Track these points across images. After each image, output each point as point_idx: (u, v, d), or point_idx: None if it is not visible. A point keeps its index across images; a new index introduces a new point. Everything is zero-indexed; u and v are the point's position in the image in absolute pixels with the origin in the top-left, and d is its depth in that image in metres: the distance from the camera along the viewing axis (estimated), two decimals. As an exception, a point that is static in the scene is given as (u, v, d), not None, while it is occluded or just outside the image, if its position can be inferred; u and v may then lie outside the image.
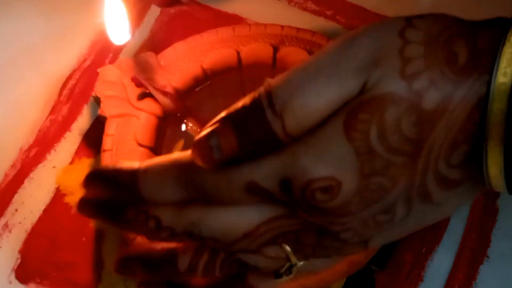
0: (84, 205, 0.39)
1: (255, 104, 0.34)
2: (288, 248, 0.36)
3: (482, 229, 0.48)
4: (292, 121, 0.33)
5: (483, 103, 0.32)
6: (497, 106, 0.32)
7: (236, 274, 0.39)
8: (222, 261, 0.38)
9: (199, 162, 0.35)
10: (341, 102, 0.33)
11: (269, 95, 0.34)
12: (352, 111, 0.33)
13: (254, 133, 0.34)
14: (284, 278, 0.38)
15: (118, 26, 0.46)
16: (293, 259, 0.37)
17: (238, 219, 0.35)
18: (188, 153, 0.36)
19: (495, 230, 0.48)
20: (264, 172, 0.34)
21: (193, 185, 0.36)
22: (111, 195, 0.38)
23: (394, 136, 0.32)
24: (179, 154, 0.37)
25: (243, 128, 0.34)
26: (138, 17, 0.55)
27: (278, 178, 0.33)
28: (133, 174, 0.37)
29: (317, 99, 0.33)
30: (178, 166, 0.36)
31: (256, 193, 0.34)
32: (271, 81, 0.34)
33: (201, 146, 0.35)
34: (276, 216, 0.35)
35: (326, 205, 0.33)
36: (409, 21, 0.34)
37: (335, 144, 0.32)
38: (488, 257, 0.47)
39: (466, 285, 0.47)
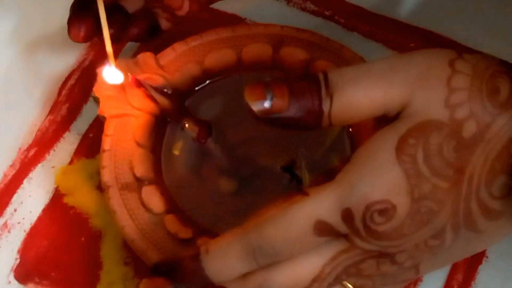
0: None
1: (313, 78, 0.36)
2: (349, 285, 0.38)
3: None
4: (339, 106, 0.36)
5: None
6: None
7: None
8: None
9: (251, 101, 0.37)
10: (382, 106, 0.36)
11: (326, 76, 0.36)
12: (403, 137, 0.35)
13: (305, 103, 0.36)
14: None
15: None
16: None
17: (303, 267, 0.37)
18: (246, 224, 0.37)
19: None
20: (327, 208, 0.35)
21: (261, 250, 0.36)
22: (176, 284, 0.39)
23: (437, 159, 0.35)
24: (236, 229, 0.37)
25: (296, 94, 0.36)
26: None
27: (340, 210, 0.35)
28: (196, 259, 0.38)
29: (364, 95, 0.36)
30: (241, 239, 0.37)
31: (323, 232, 0.36)
32: (329, 69, 0.37)
33: (257, 90, 0.37)
34: (336, 254, 0.37)
35: (383, 228, 0.35)
36: (460, 53, 0.36)
37: (387, 169, 0.35)
38: (487, 257, 0.47)
39: (465, 285, 0.47)
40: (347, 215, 0.35)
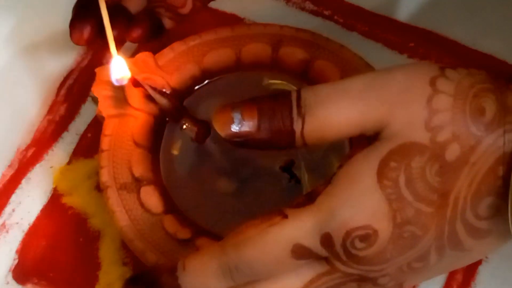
0: None
1: (284, 98, 0.36)
2: None
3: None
4: (311, 127, 0.35)
5: (507, 158, 0.33)
6: None
7: None
8: None
9: (218, 126, 0.36)
10: (359, 127, 0.35)
11: (299, 95, 0.35)
12: (384, 160, 0.34)
13: (275, 124, 0.36)
14: None
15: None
16: None
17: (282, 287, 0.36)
18: (223, 242, 0.37)
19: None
20: (306, 232, 0.35)
21: (238, 271, 0.36)
22: None
23: (420, 183, 0.34)
24: (214, 245, 0.37)
25: (266, 116, 0.36)
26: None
27: (319, 234, 0.35)
28: (173, 274, 0.37)
29: (338, 115, 0.35)
30: (218, 257, 0.36)
31: (302, 255, 0.35)
32: (303, 88, 0.36)
33: (224, 112, 0.36)
34: (316, 276, 0.36)
35: (365, 253, 0.34)
36: (443, 70, 0.35)
37: (369, 194, 0.34)
38: (487, 257, 0.47)
39: (464, 285, 0.46)
40: (326, 240, 0.34)
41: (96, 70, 0.49)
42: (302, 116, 0.35)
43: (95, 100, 0.49)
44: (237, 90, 0.50)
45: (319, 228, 0.34)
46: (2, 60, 0.55)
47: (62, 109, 0.53)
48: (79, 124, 0.53)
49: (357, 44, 0.54)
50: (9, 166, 0.51)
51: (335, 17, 0.56)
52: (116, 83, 0.47)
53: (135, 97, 0.48)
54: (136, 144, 0.47)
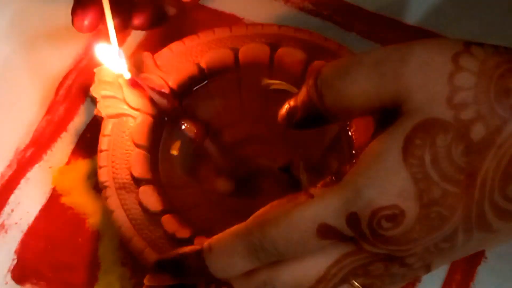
0: None
1: (307, 81, 0.37)
2: (357, 284, 0.37)
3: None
4: (330, 99, 0.36)
5: None
6: None
7: None
8: None
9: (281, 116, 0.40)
10: (376, 99, 0.35)
11: (317, 74, 0.37)
12: (409, 137, 0.33)
13: (304, 101, 0.38)
14: None
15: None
16: None
17: (309, 267, 0.36)
18: (248, 222, 0.37)
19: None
20: (331, 212, 0.34)
21: (264, 250, 0.36)
22: (180, 280, 0.39)
23: (446, 163, 0.33)
24: (240, 225, 0.37)
25: (295, 98, 0.39)
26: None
27: (345, 214, 0.34)
28: (199, 256, 0.37)
29: (354, 87, 0.35)
30: (243, 238, 0.36)
31: (327, 235, 0.35)
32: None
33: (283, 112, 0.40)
34: (343, 255, 0.36)
35: (391, 233, 0.34)
36: (468, 46, 0.34)
37: (395, 172, 0.33)
38: (485, 258, 0.47)
39: (463, 285, 0.46)
40: (352, 220, 0.34)
41: (95, 70, 0.49)
42: (318, 90, 0.36)
43: (94, 100, 0.49)
44: (236, 90, 0.50)
45: (345, 207, 0.34)
46: (1, 60, 0.55)
47: (61, 109, 0.53)
48: (78, 124, 0.53)
49: (356, 44, 0.54)
50: (8, 166, 0.51)
51: (334, 17, 0.56)
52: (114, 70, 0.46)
53: (133, 97, 0.48)
54: (135, 144, 0.47)
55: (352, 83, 0.35)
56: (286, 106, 0.40)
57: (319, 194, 0.35)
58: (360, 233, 0.35)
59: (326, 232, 0.35)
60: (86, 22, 0.47)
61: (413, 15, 0.56)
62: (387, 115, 0.35)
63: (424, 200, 0.33)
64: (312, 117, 0.38)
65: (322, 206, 0.35)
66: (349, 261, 0.36)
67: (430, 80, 0.33)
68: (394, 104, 0.34)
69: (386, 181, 0.33)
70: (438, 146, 0.33)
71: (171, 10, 0.50)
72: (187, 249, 0.38)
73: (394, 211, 0.33)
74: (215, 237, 0.38)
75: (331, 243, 0.36)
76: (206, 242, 0.38)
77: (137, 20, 0.48)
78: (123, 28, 0.48)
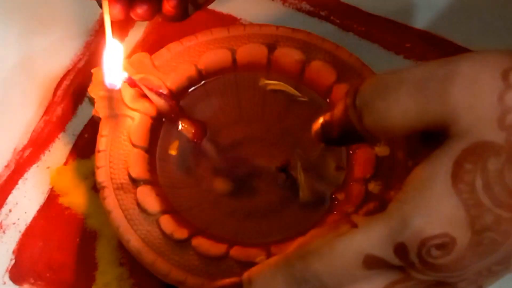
0: None
1: (345, 99, 0.36)
2: None
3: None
4: (370, 119, 0.34)
5: None
6: None
7: None
8: None
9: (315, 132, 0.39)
10: (419, 120, 0.33)
11: (356, 92, 0.35)
12: (458, 161, 0.32)
13: (341, 119, 0.36)
14: None
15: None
16: None
17: None
18: (289, 253, 0.35)
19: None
20: (377, 243, 0.33)
21: (306, 283, 0.34)
22: None
23: (499, 188, 0.31)
24: (280, 256, 0.36)
25: (332, 114, 0.37)
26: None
27: (392, 244, 0.33)
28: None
29: (395, 106, 0.33)
30: (284, 269, 0.35)
31: (373, 265, 0.34)
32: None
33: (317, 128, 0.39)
34: (390, 283, 0.35)
35: (442, 261, 0.33)
36: None
37: (444, 200, 0.32)
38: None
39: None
40: (400, 250, 0.33)
41: (93, 70, 0.49)
42: (358, 110, 0.34)
43: (91, 101, 0.49)
44: (233, 90, 0.50)
45: (392, 238, 0.32)
46: (-1, 61, 0.55)
47: (59, 110, 0.53)
48: (76, 125, 0.53)
49: (354, 44, 0.54)
50: (6, 166, 0.51)
51: (332, 18, 0.56)
52: (108, 86, 0.46)
53: (131, 97, 0.48)
54: (133, 144, 0.47)
55: (394, 103, 0.33)
56: (320, 121, 0.38)
57: (363, 224, 0.33)
58: (408, 262, 0.33)
59: (372, 263, 0.33)
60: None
61: (409, 15, 0.56)
62: (430, 135, 0.34)
63: (476, 226, 0.32)
64: (349, 135, 0.36)
65: (367, 237, 0.33)
66: None
67: (479, 100, 0.32)
68: (440, 126, 0.33)
69: (435, 209, 0.32)
70: (489, 171, 0.31)
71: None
72: (225, 282, 0.37)
73: (444, 240, 0.32)
74: (254, 269, 0.36)
75: (377, 272, 0.34)
76: (245, 274, 0.36)
77: (139, 9, 0.46)
78: (125, 18, 0.47)
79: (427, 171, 0.32)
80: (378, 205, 0.35)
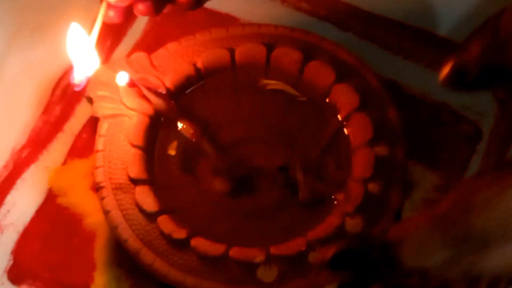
0: None
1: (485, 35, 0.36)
2: None
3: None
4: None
5: None
6: None
7: None
8: None
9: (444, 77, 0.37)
10: None
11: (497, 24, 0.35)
12: None
13: (479, 59, 0.35)
14: None
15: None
16: None
17: None
18: (445, 210, 0.35)
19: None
20: None
21: (471, 238, 0.34)
22: (358, 274, 0.36)
23: None
24: (433, 214, 0.35)
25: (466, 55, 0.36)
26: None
27: None
28: (386, 248, 0.35)
29: None
30: (443, 227, 0.34)
31: None
32: None
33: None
34: None
35: None
36: None
37: None
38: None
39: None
40: None
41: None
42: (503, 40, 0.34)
43: (90, 101, 0.49)
44: (232, 90, 0.50)
45: None
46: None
47: (57, 110, 0.53)
48: (74, 125, 0.53)
49: (353, 44, 0.54)
50: (4, 166, 0.51)
51: (331, 17, 0.56)
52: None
53: (130, 97, 0.48)
54: (131, 144, 0.47)
55: None
56: (449, 64, 0.36)
57: None
58: None
59: None
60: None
61: (408, 14, 0.56)
62: None
63: None
64: (492, 75, 0.35)
65: None
66: None
67: None
68: None
69: None
70: None
71: None
72: (370, 241, 0.37)
73: None
74: (401, 227, 0.36)
75: None
76: (391, 233, 0.36)
77: (141, 4, 0.45)
78: (128, 14, 0.46)
79: None
80: None
